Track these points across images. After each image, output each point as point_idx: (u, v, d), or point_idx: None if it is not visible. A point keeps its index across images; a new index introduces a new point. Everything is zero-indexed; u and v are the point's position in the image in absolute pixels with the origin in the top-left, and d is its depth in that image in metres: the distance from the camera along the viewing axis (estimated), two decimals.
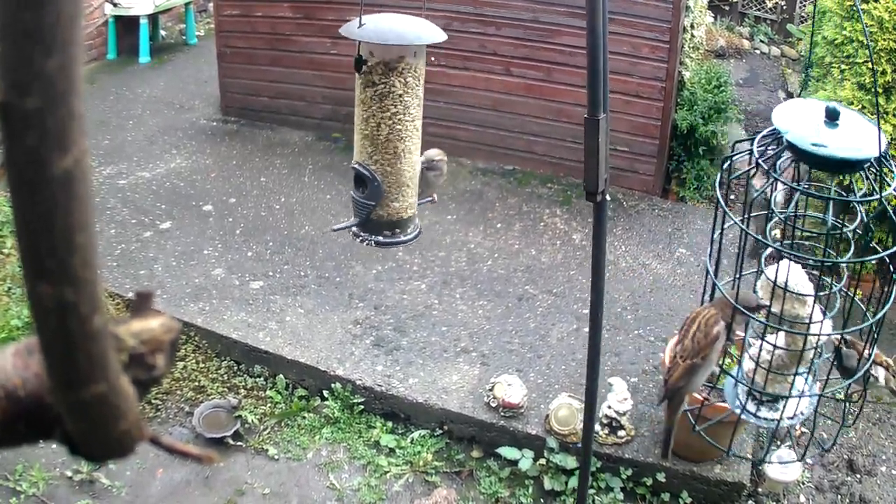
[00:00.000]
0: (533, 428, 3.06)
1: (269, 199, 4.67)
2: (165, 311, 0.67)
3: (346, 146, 5.32)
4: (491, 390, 3.13)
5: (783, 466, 2.86)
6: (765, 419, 1.82)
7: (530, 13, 4.72)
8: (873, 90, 3.71)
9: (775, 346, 1.70)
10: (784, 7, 7.76)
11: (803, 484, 3.08)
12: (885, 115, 3.75)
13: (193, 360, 3.50)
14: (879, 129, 1.43)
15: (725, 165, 1.66)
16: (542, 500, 2.97)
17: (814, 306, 1.67)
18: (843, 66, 3.93)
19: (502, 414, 3.10)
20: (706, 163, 4.85)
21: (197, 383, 3.41)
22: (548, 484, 2.96)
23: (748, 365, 1.86)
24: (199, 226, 4.36)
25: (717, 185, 1.67)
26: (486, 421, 3.11)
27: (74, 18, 0.43)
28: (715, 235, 1.72)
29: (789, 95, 6.42)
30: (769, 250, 1.73)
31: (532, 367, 3.38)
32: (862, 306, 1.72)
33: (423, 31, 1.67)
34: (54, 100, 0.43)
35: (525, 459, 3.01)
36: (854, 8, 3.80)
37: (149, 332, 0.61)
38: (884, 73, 3.72)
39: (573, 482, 2.93)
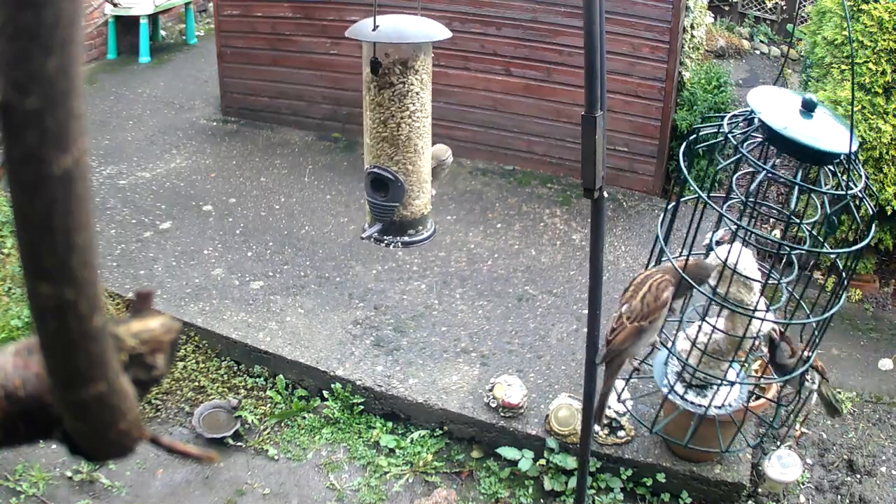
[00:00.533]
0: (533, 428, 3.06)
1: (269, 199, 4.67)
2: (165, 311, 0.67)
3: (346, 146, 5.32)
4: (491, 391, 3.14)
5: (783, 466, 2.86)
6: (692, 403, 1.80)
7: (530, 13, 4.72)
8: (884, 90, 3.71)
9: (715, 328, 1.68)
10: (784, 7, 7.76)
11: (803, 484, 3.08)
12: (885, 115, 3.75)
13: (193, 361, 3.50)
14: (852, 128, 1.42)
15: (692, 137, 1.65)
16: (541, 501, 2.97)
17: (760, 295, 1.67)
18: (843, 67, 3.93)
19: (502, 414, 3.10)
20: (706, 163, 4.84)
21: (197, 383, 3.41)
22: (548, 484, 2.96)
23: (682, 345, 1.84)
24: (199, 226, 4.37)
25: (680, 155, 1.65)
26: (486, 421, 3.11)
27: (74, 18, 0.43)
28: (670, 206, 1.71)
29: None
30: (720, 232, 1.72)
31: (532, 367, 3.38)
32: (805, 307, 1.69)
33: (432, 28, 1.70)
34: (54, 100, 0.43)
35: (525, 460, 3.01)
36: (854, 8, 3.80)
37: (149, 332, 0.61)
38: (884, 73, 3.72)
39: (573, 482, 2.93)
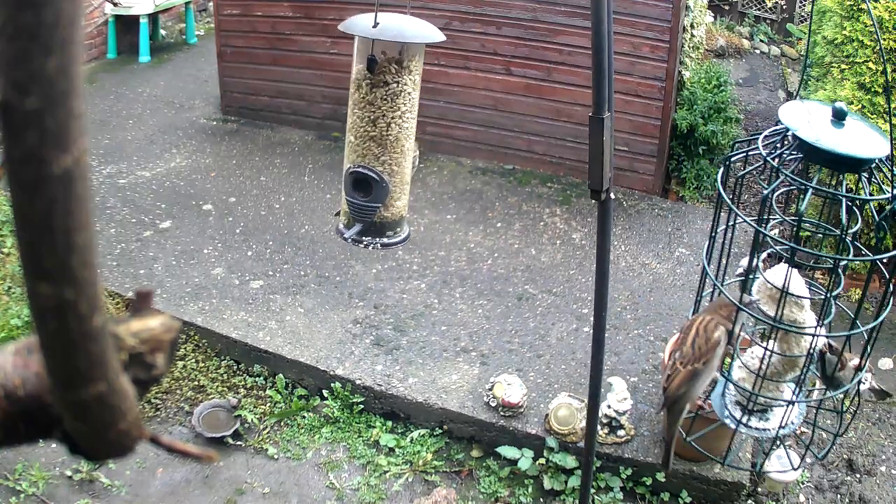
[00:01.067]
0: (532, 427, 3.06)
1: (269, 199, 4.67)
2: (165, 311, 0.67)
3: None
4: (490, 390, 3.14)
5: (783, 466, 2.86)
6: (756, 429, 1.79)
7: (530, 13, 4.72)
8: (883, 89, 3.71)
9: (772, 352, 1.67)
10: (784, 7, 7.75)
11: (803, 484, 3.08)
12: (885, 115, 3.75)
13: (193, 360, 3.50)
14: (892, 128, 1.43)
15: (726, 162, 1.65)
16: (541, 500, 2.97)
17: (809, 311, 1.66)
18: (843, 66, 3.93)
19: (502, 413, 3.10)
20: (706, 162, 4.85)
21: (196, 383, 3.41)
22: (547, 483, 2.96)
23: (738, 374, 1.83)
24: (199, 225, 4.37)
25: (718, 182, 1.65)
26: (486, 420, 3.11)
27: (74, 18, 0.43)
28: (718, 233, 1.71)
29: (789, 95, 6.42)
30: (765, 253, 1.72)
31: (532, 366, 3.38)
32: (849, 312, 1.69)
33: (428, 29, 1.70)
34: (54, 99, 0.43)
35: (525, 459, 3.01)
36: (854, 7, 3.80)
37: (148, 332, 0.61)
38: (884, 72, 3.72)
39: (573, 482, 2.94)
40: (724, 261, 1.73)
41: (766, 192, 1.53)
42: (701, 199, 4.84)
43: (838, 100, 3.77)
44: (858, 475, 3.14)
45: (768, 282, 1.69)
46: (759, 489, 2.98)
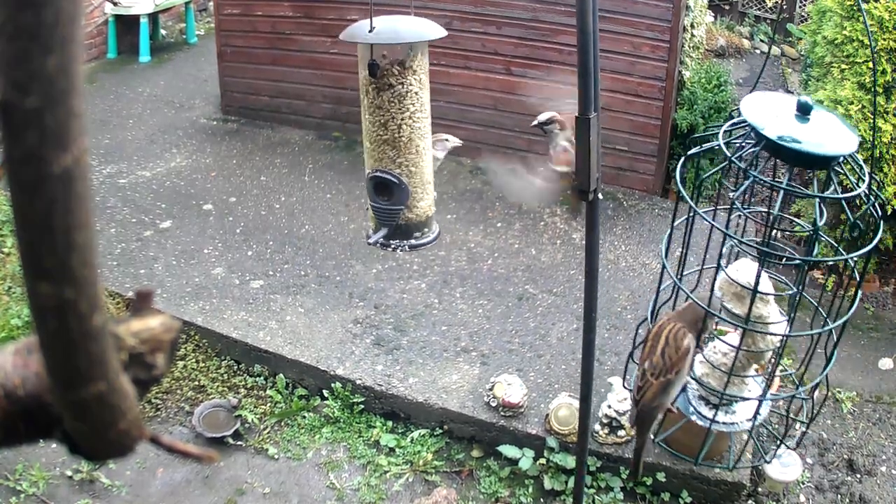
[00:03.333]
0: (533, 427, 3.06)
1: (269, 199, 4.67)
2: (165, 311, 0.67)
3: (347, 145, 5.32)
4: (491, 390, 3.13)
5: (783, 466, 2.86)
6: (723, 423, 1.77)
7: (531, 13, 4.72)
8: (884, 89, 3.71)
9: (738, 348, 1.63)
10: (784, 7, 7.75)
11: (803, 484, 3.08)
12: (885, 115, 3.75)
13: (193, 360, 3.50)
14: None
15: (690, 152, 1.63)
16: (542, 500, 2.97)
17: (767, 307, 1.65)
18: (843, 66, 3.93)
19: (502, 413, 3.10)
20: (706, 162, 4.84)
21: (197, 383, 3.41)
22: (548, 483, 2.96)
23: (701, 369, 1.82)
24: (200, 225, 4.36)
25: (678, 179, 1.63)
26: (486, 420, 3.11)
27: (74, 17, 0.43)
28: (676, 227, 1.68)
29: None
30: (726, 246, 1.69)
31: (532, 366, 3.38)
32: (822, 312, 1.65)
33: (427, 27, 1.70)
34: (54, 98, 0.43)
35: (525, 459, 3.01)
36: (854, 7, 3.80)
37: (149, 332, 0.61)
38: (884, 72, 3.72)
39: (573, 482, 2.94)
40: (682, 256, 1.70)
41: (733, 195, 1.50)
42: (701, 199, 4.84)
43: (839, 100, 3.77)
44: (859, 475, 3.14)
45: (729, 277, 1.67)
46: (760, 489, 2.98)
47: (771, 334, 1.67)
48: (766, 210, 1.54)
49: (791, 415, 1.75)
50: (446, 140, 1.92)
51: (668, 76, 4.56)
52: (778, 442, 1.76)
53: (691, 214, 1.60)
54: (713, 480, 2.87)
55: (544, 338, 3.57)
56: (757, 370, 1.82)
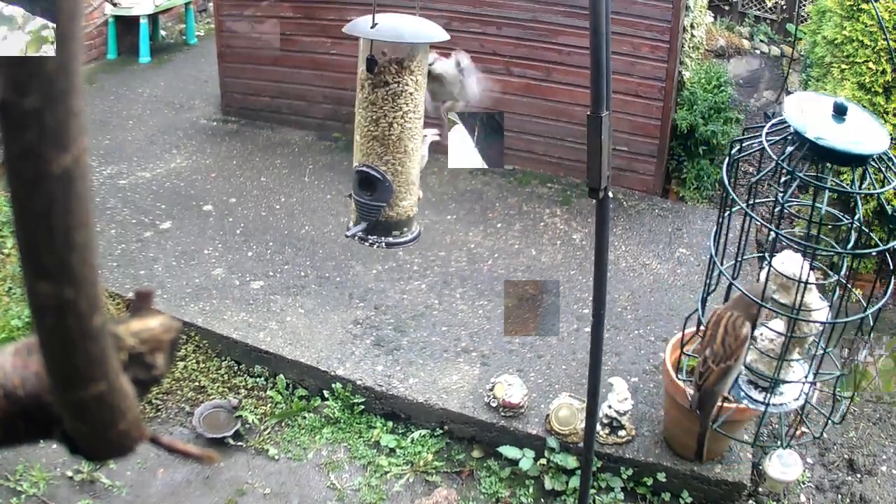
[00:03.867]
0: (533, 428, 3.06)
1: (269, 199, 4.67)
2: (165, 311, 0.67)
3: (347, 146, 5.31)
4: (491, 390, 3.13)
5: (784, 466, 2.85)
6: (773, 405, 1.86)
7: (530, 13, 4.72)
8: (883, 89, 3.71)
9: (786, 335, 1.72)
10: (784, 7, 7.75)
11: (803, 483, 3.08)
12: (885, 115, 3.75)
13: (194, 360, 3.50)
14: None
15: (732, 158, 1.68)
16: (542, 500, 2.97)
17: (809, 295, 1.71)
18: (843, 66, 3.93)
19: (503, 414, 3.10)
20: (706, 162, 4.85)
21: (197, 383, 3.41)
22: (548, 484, 2.96)
23: (751, 355, 1.89)
24: (200, 226, 4.36)
25: (724, 176, 1.68)
26: (487, 421, 3.11)
27: (74, 16, 0.43)
28: (723, 229, 1.75)
29: (789, 95, 6.41)
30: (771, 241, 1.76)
31: (532, 366, 3.38)
32: (863, 302, 1.74)
33: (430, 29, 1.70)
34: (53, 98, 0.43)
35: (526, 459, 3.00)
36: (854, 7, 3.80)
37: (148, 332, 0.61)
38: (884, 72, 3.72)
39: (574, 482, 2.93)
40: (722, 255, 1.76)
41: (781, 198, 1.57)
42: (701, 200, 4.84)
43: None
44: (859, 475, 3.13)
45: (776, 271, 1.73)
46: (760, 489, 2.98)
47: (813, 322, 1.75)
48: (809, 204, 1.63)
49: (836, 392, 1.83)
50: (424, 135, 1.90)
51: (667, 76, 4.56)
52: (826, 418, 1.84)
53: (726, 214, 1.71)
54: (714, 480, 2.87)
55: (544, 338, 3.57)
56: (798, 353, 1.90)
